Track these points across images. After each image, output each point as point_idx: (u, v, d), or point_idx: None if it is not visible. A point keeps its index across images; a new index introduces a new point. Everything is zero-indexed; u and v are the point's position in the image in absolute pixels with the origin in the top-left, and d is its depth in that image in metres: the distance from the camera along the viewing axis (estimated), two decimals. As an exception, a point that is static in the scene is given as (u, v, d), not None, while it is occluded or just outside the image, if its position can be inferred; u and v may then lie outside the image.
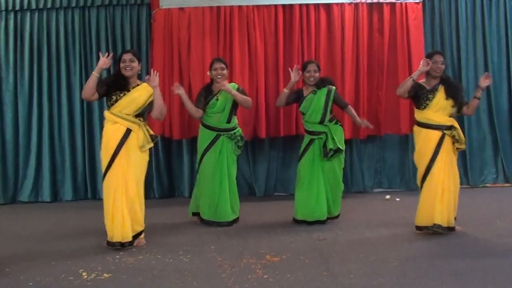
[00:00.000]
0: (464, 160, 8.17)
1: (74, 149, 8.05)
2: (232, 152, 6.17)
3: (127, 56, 5.28)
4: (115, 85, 5.27)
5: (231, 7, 7.63)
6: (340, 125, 6.30)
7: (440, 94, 5.52)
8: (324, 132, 6.09)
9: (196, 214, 6.28)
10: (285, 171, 8.07)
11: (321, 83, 6.19)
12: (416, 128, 5.69)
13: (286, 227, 6.00)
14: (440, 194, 5.39)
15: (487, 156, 8.40)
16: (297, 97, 6.31)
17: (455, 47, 8.28)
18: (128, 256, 4.90)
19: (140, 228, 5.29)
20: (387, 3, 7.80)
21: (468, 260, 4.59)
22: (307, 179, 6.12)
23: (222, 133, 6.08)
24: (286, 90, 6.21)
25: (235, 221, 6.22)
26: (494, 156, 8.44)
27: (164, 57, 7.60)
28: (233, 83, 6.30)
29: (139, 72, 5.49)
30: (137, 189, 5.22)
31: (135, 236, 5.25)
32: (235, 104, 6.17)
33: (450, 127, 5.49)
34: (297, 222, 6.15)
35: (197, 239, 5.52)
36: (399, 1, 7.79)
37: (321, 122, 6.13)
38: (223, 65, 6.11)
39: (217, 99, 6.09)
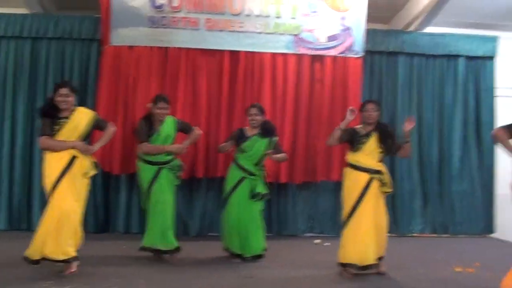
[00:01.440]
0: (394, 209, 8.47)
1: (12, 180, 8.07)
2: (172, 183, 6.32)
3: (63, 91, 5.40)
4: (52, 116, 5.39)
5: (179, 49, 7.86)
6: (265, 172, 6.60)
7: (373, 139, 5.84)
8: (256, 175, 6.35)
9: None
10: (221, 211, 8.20)
11: (265, 132, 6.45)
12: (346, 169, 5.96)
13: (216, 264, 6.17)
14: (363, 235, 5.63)
15: (416, 206, 8.77)
16: (239, 135, 6.56)
17: (392, 102, 8.72)
18: (57, 285, 4.96)
19: (73, 250, 5.32)
20: (329, 56, 8.16)
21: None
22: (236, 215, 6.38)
23: (163, 166, 6.21)
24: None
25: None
26: (423, 207, 8.84)
27: (110, 93, 7.74)
28: (171, 117, 6.41)
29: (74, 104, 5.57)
30: (79, 212, 5.35)
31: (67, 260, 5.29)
32: (174, 139, 6.37)
33: (378, 172, 5.78)
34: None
35: (127, 271, 5.62)
36: (340, 55, 8.16)
37: (257, 164, 6.40)
38: (167, 105, 6.27)
39: (158, 133, 6.22)
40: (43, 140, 5.36)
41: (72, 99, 5.45)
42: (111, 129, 5.75)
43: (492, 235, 8.91)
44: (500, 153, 5.27)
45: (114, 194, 8.15)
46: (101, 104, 7.69)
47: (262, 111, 6.51)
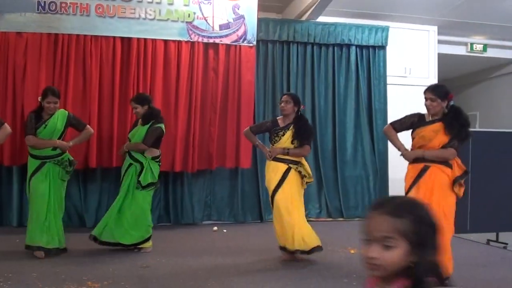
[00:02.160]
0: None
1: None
2: (58, 177, 6.10)
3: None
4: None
5: (69, 35, 7.68)
6: (159, 165, 6.46)
7: (289, 132, 5.93)
8: (141, 162, 6.25)
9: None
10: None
11: (146, 118, 6.35)
12: (267, 161, 6.08)
13: (112, 256, 6.05)
14: (283, 220, 5.76)
15: (312, 191, 8.97)
16: (133, 127, 6.55)
17: (286, 90, 8.83)
18: None
19: None
20: (222, 44, 8.22)
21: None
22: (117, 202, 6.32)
23: (47, 160, 6.03)
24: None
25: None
26: (318, 192, 9.10)
27: (-2, 81, 7.49)
28: (62, 111, 6.24)
29: None
30: None
31: None
32: (63, 133, 6.18)
33: (296, 162, 5.89)
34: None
35: (20, 266, 5.43)
36: (234, 44, 8.23)
37: (142, 152, 6.31)
38: (57, 100, 6.07)
39: (45, 126, 6.05)
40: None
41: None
42: (4, 130, 5.62)
43: (386, 217, 9.20)
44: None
45: (6, 186, 7.88)
46: (-11, 92, 7.44)
47: (140, 102, 6.37)
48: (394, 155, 5.77)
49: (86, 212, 8.04)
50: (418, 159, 4.96)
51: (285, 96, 6.12)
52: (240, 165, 8.27)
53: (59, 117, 6.13)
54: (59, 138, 6.10)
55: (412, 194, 4.95)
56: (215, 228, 8.01)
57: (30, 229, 5.98)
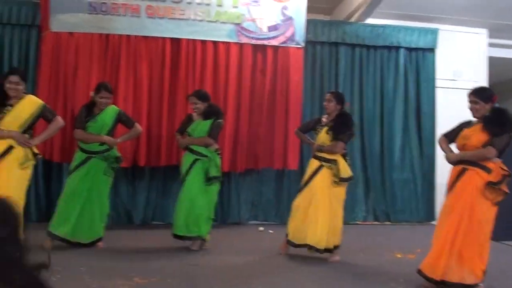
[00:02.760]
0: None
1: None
2: (101, 173, 6.16)
3: (13, 79, 5.31)
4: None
5: (120, 35, 7.81)
6: (220, 157, 6.53)
7: (326, 128, 5.94)
8: (207, 156, 6.28)
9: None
10: (165, 200, 8.18)
11: (208, 114, 6.39)
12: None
13: (160, 253, 6.11)
14: (315, 219, 5.76)
15: (359, 194, 8.93)
16: (187, 120, 6.56)
17: (334, 91, 8.76)
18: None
19: None
20: (270, 46, 8.24)
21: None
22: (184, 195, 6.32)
23: (93, 155, 6.12)
24: None
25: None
26: (365, 195, 9.02)
27: (50, 79, 7.64)
28: (113, 107, 6.35)
29: (24, 91, 5.50)
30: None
31: None
32: (112, 129, 6.28)
33: (330, 161, 5.85)
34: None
35: (68, 260, 5.50)
36: (282, 45, 8.24)
37: (206, 146, 6.33)
38: (109, 95, 6.20)
39: (95, 120, 6.15)
40: None
41: (22, 87, 5.38)
42: (57, 122, 5.64)
43: (433, 222, 9.08)
44: None
45: (56, 183, 8.02)
46: (41, 91, 7.55)
47: (201, 98, 6.41)
48: (442, 159, 5.67)
49: (135, 210, 8.13)
50: (459, 161, 4.87)
51: (328, 94, 6.14)
52: (288, 166, 8.26)
53: (109, 112, 6.25)
54: (107, 134, 6.20)
55: (448, 198, 4.89)
56: (261, 228, 8.02)
57: (56, 219, 6.07)
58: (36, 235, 6.56)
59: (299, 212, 5.93)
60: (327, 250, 5.78)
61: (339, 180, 5.86)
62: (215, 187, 6.43)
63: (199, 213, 6.24)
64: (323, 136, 5.93)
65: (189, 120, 6.54)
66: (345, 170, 5.91)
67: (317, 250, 5.73)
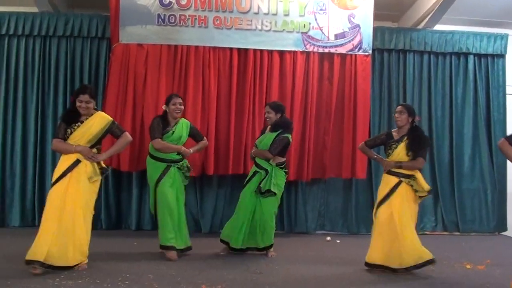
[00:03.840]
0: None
1: (25, 177, 8.12)
2: (181, 181, 6.33)
3: (84, 98, 5.44)
4: (70, 121, 5.46)
5: (188, 46, 7.89)
6: (285, 172, 6.51)
7: (402, 145, 5.84)
8: (266, 170, 6.31)
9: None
10: (232, 208, 8.12)
11: (275, 126, 6.42)
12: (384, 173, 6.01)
13: (226, 260, 6.16)
14: (384, 235, 5.66)
15: (428, 204, 8.74)
16: (262, 133, 6.65)
17: (402, 99, 8.64)
18: (68, 279, 4.97)
19: (82, 258, 5.36)
20: (337, 54, 8.17)
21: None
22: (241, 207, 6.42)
23: (172, 164, 6.23)
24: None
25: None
26: (434, 205, 8.83)
27: (119, 90, 7.77)
28: (185, 120, 6.48)
29: (94, 108, 5.63)
30: (83, 216, 5.32)
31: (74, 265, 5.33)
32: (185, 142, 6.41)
33: (409, 176, 5.76)
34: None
35: (137, 267, 5.63)
36: (349, 53, 8.17)
37: (267, 159, 6.36)
38: (181, 101, 6.36)
39: (172, 132, 6.26)
40: (53, 142, 5.49)
41: (92, 105, 5.51)
42: (125, 138, 5.73)
43: (505, 233, 8.85)
44: None
45: (126, 191, 8.21)
46: (110, 102, 7.74)
47: (274, 109, 6.45)
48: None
49: (202, 218, 8.22)
50: None
51: (399, 106, 6.02)
52: (356, 175, 8.16)
53: (184, 125, 6.38)
54: (184, 143, 6.38)
55: None
56: (329, 238, 7.95)
57: (164, 231, 6.16)
58: (104, 243, 6.76)
59: (384, 233, 5.73)
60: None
61: (428, 193, 5.83)
62: (270, 200, 6.40)
63: (258, 225, 6.36)
64: (400, 152, 5.82)
65: (263, 132, 6.60)
66: (424, 183, 5.83)
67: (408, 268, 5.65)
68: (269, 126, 6.52)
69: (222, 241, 6.54)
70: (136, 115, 7.75)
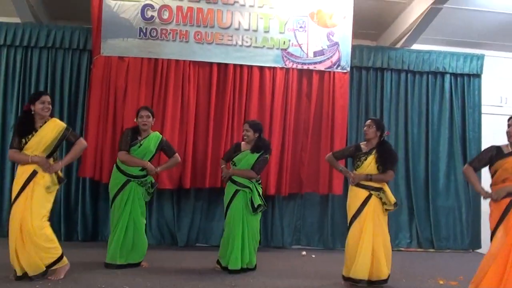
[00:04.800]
0: (380, 224, 8.55)
1: (2, 189, 8.11)
2: (142, 197, 6.33)
3: (46, 98, 5.41)
4: (24, 132, 5.40)
5: (169, 60, 7.96)
6: (261, 186, 6.60)
7: (372, 157, 5.92)
8: (249, 187, 6.36)
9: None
10: (209, 222, 8.27)
11: (257, 148, 6.45)
12: (350, 186, 6.06)
13: (202, 274, 6.19)
14: (360, 248, 5.69)
15: (403, 220, 8.88)
16: (234, 149, 6.65)
17: (379, 117, 8.73)
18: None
19: (51, 256, 5.35)
20: (316, 71, 8.29)
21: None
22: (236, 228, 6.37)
23: (132, 179, 6.25)
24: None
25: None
26: (409, 222, 8.95)
27: (101, 102, 7.82)
28: (157, 134, 6.49)
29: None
30: (39, 222, 5.28)
31: (50, 266, 5.35)
32: (153, 156, 6.44)
33: (378, 189, 5.85)
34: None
35: (113, 279, 5.65)
36: (327, 70, 8.29)
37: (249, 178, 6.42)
38: (149, 113, 6.35)
39: (140, 145, 6.28)
40: (9, 153, 5.48)
41: (50, 107, 5.47)
42: (80, 145, 5.62)
43: (479, 250, 8.96)
44: (485, 170, 5.45)
45: (103, 202, 8.17)
46: (91, 114, 7.80)
47: (253, 128, 6.49)
48: (488, 187, 5.66)
49: (179, 231, 8.22)
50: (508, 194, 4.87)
51: (368, 120, 6.13)
52: (332, 191, 8.24)
53: (153, 139, 6.38)
54: (149, 160, 6.34)
55: (499, 233, 4.87)
56: (304, 253, 8.00)
57: (113, 247, 6.21)
58: (80, 254, 6.76)
59: (353, 247, 5.78)
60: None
61: (394, 206, 5.90)
62: (259, 215, 6.52)
63: (249, 243, 6.39)
64: (371, 165, 5.90)
65: (236, 149, 6.63)
66: (392, 196, 5.92)
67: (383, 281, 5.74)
68: (243, 144, 6.55)
69: (223, 267, 6.44)
70: (116, 127, 7.78)
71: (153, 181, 6.42)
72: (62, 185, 5.75)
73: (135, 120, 6.39)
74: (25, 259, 5.20)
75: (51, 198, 5.49)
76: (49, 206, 5.47)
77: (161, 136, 6.52)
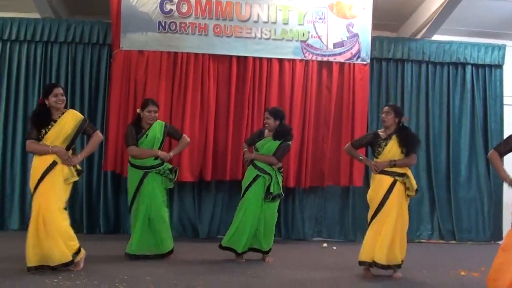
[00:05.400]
0: (402, 215, 8.52)
1: (25, 180, 8.08)
2: (162, 186, 6.35)
3: (59, 90, 5.44)
4: (41, 123, 5.42)
5: (188, 53, 7.97)
6: (282, 175, 6.60)
7: (393, 142, 5.87)
8: (269, 174, 6.37)
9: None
10: (230, 214, 8.17)
11: (278, 135, 6.45)
12: (372, 174, 6.04)
13: (223, 265, 6.22)
14: (384, 234, 5.69)
15: (424, 212, 8.83)
16: (258, 135, 6.67)
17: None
18: (66, 280, 5.03)
19: (75, 243, 5.41)
20: (336, 62, 8.25)
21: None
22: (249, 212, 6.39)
23: (150, 170, 6.27)
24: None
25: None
26: (431, 213, 8.89)
27: (121, 96, 7.86)
28: (159, 121, 6.45)
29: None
30: (59, 211, 5.34)
31: (74, 254, 5.39)
32: (162, 143, 6.42)
33: (402, 175, 5.81)
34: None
35: (134, 270, 5.68)
36: (347, 61, 8.25)
37: (270, 164, 6.42)
38: (156, 109, 6.37)
39: (146, 136, 6.29)
40: (27, 143, 5.43)
41: (64, 98, 5.51)
42: (97, 137, 5.68)
43: (500, 242, 8.85)
44: (507, 161, 5.40)
45: (124, 196, 8.05)
46: (112, 108, 7.86)
47: (273, 115, 6.47)
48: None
49: (200, 223, 8.26)
50: None
51: (386, 107, 6.07)
52: (353, 183, 8.21)
53: (158, 126, 6.39)
54: (159, 148, 6.36)
55: None
56: (325, 244, 7.99)
57: (136, 238, 6.28)
58: (103, 246, 6.81)
59: (377, 233, 5.78)
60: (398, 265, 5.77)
61: (416, 192, 5.91)
62: (275, 203, 6.50)
63: (265, 228, 6.40)
64: (393, 150, 5.85)
65: (260, 134, 6.64)
66: (414, 182, 5.92)
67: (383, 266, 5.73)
68: (266, 131, 6.55)
69: (225, 247, 6.47)
70: (137, 121, 7.81)
71: (170, 166, 6.41)
72: (84, 178, 5.76)
73: (138, 111, 6.38)
74: (47, 249, 5.22)
75: (69, 189, 5.54)
76: (66, 197, 5.51)
77: (164, 122, 6.52)
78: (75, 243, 5.43)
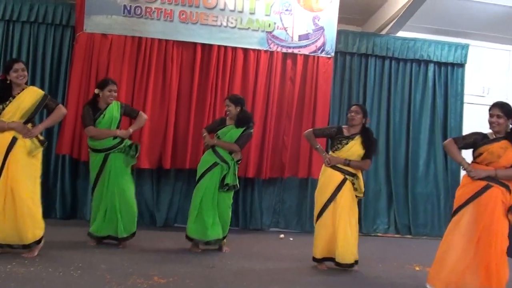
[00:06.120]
0: (359, 209, 8.50)
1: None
2: (124, 165, 6.32)
3: (19, 66, 5.37)
4: (0, 98, 5.35)
5: (152, 39, 7.90)
6: (238, 167, 6.61)
7: (355, 142, 5.93)
8: (228, 164, 6.38)
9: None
10: (188, 203, 8.14)
11: (240, 122, 6.46)
12: (323, 167, 6.07)
13: (180, 254, 6.23)
14: (344, 233, 5.76)
15: (381, 206, 8.96)
16: (219, 123, 6.65)
17: (362, 103, 8.73)
18: (19, 267, 4.98)
19: (40, 232, 5.38)
20: (300, 55, 8.28)
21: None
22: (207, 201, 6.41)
23: (110, 151, 6.23)
24: None
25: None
26: (388, 207, 9.03)
27: (82, 79, 7.74)
28: (116, 101, 6.40)
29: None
30: (32, 192, 5.34)
31: (34, 244, 5.35)
32: (119, 122, 6.38)
33: (353, 175, 5.90)
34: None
35: (90, 257, 5.65)
36: (312, 54, 8.28)
37: (230, 152, 6.44)
38: (116, 88, 6.36)
39: (103, 116, 6.23)
40: None
41: (26, 73, 5.44)
42: (60, 110, 5.64)
43: (456, 237, 9.04)
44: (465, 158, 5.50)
45: (82, 181, 8.13)
46: (72, 90, 7.74)
47: (235, 103, 6.47)
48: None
49: (158, 211, 8.23)
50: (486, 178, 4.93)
51: (355, 106, 6.12)
52: (312, 175, 8.25)
53: (115, 106, 6.34)
54: (116, 128, 6.31)
55: (468, 211, 4.95)
56: (282, 235, 8.04)
57: (99, 219, 6.30)
58: (59, 232, 6.75)
59: (327, 230, 5.87)
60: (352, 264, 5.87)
61: (362, 195, 6.03)
62: (230, 194, 6.53)
63: (220, 216, 6.42)
64: (352, 150, 5.91)
65: (221, 122, 6.62)
66: (363, 185, 6.02)
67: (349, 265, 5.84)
68: (228, 119, 6.53)
69: (190, 238, 6.46)
70: (97, 105, 7.73)
71: (129, 143, 6.36)
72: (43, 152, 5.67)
73: (96, 91, 6.29)
74: (13, 231, 5.20)
75: (38, 163, 5.49)
76: (37, 171, 5.47)
77: (120, 102, 6.50)
78: (40, 233, 5.39)
